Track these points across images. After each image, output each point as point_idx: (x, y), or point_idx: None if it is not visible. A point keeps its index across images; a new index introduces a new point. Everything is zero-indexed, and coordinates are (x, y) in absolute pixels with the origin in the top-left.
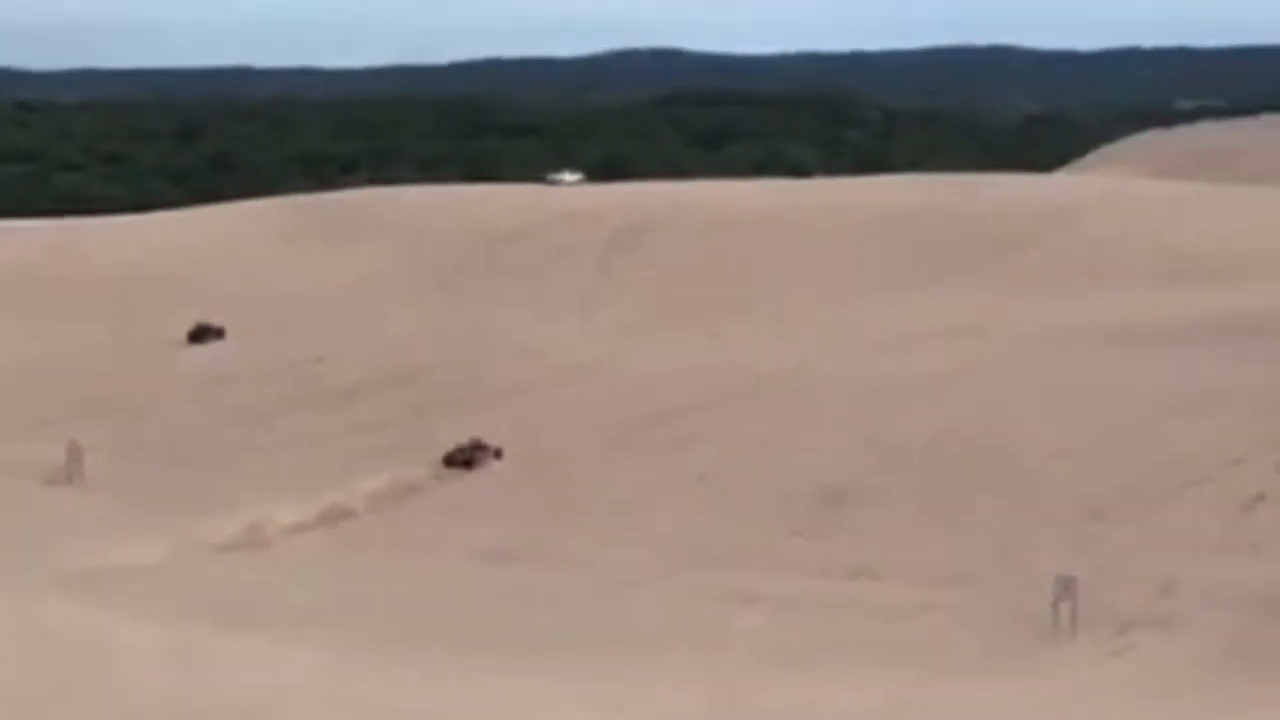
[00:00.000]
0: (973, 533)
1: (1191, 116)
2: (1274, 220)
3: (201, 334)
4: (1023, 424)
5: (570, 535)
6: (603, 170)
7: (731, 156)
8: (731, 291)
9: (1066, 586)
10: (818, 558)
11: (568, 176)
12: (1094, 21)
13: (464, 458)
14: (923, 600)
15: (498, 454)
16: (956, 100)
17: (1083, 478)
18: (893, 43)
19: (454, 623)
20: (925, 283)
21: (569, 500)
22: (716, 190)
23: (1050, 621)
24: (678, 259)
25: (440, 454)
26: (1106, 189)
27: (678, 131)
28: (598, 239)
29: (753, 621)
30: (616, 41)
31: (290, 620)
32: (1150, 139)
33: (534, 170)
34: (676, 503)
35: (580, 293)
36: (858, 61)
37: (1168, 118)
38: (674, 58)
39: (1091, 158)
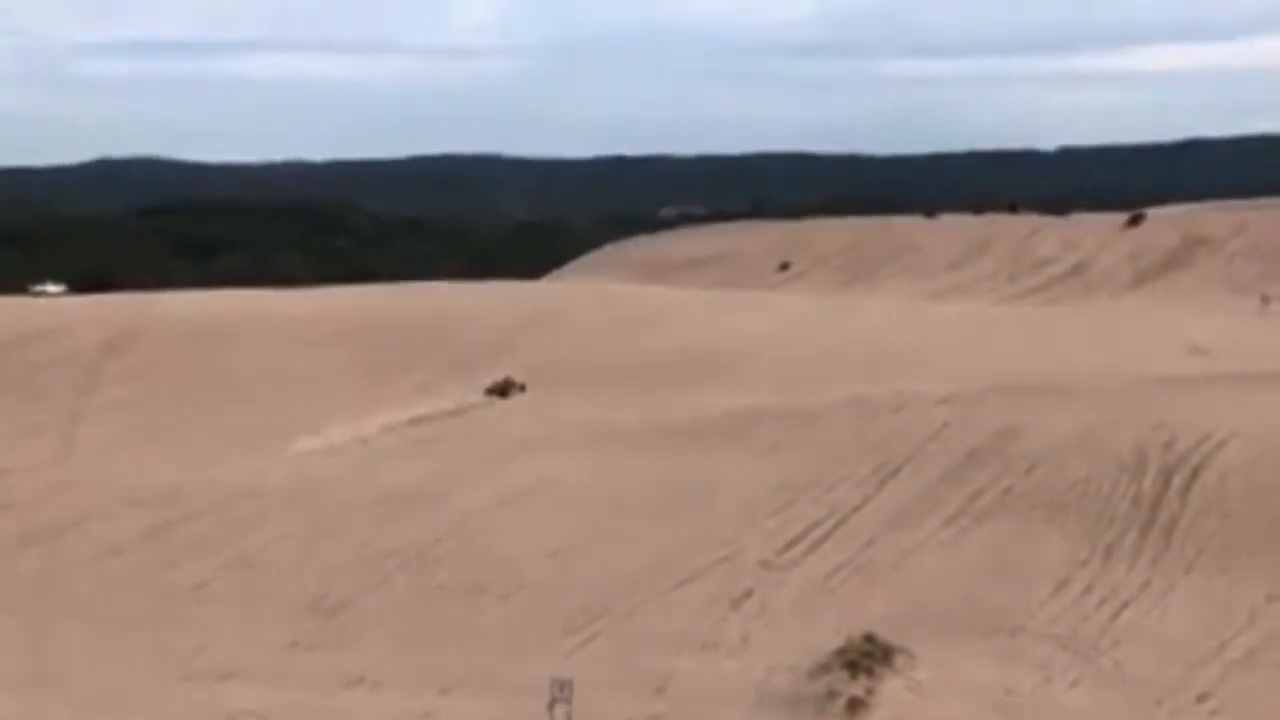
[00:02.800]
0: (471, 638)
1: (674, 223)
2: (753, 322)
3: None
4: (514, 528)
5: (57, 656)
6: (87, 282)
7: (219, 266)
8: (218, 402)
9: (562, 688)
10: (313, 669)
11: (51, 288)
12: (580, 129)
13: (499, 388)
14: (421, 708)
15: (522, 388)
16: (446, 208)
17: (577, 580)
18: (376, 152)
19: None
20: (411, 391)
21: (57, 622)
22: (202, 300)
23: None
24: (164, 371)
25: None
26: (590, 294)
27: (163, 241)
28: (82, 352)
29: None
30: (96, 150)
31: None
32: (635, 245)
33: (17, 282)
34: (169, 617)
35: (63, 407)
36: (343, 170)
37: (652, 224)
38: (156, 167)
39: (577, 264)
